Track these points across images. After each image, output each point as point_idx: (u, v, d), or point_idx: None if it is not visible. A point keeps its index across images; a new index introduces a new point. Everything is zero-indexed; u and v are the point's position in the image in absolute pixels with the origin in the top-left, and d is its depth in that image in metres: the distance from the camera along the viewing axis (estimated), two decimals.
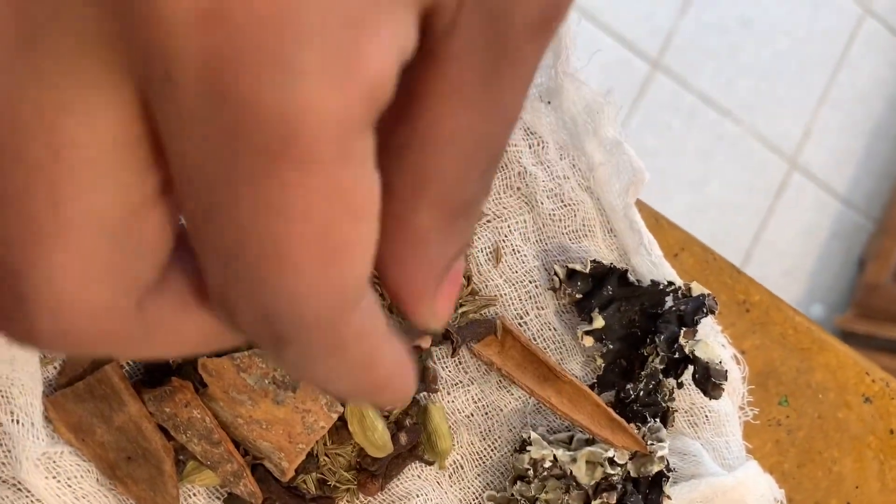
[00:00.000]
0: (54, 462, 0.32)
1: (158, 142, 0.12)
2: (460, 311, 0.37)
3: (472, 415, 0.38)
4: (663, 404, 0.36)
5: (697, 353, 0.35)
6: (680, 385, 0.37)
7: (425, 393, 0.37)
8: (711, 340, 0.37)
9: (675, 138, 1.44)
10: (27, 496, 0.32)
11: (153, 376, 0.33)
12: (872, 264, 1.49)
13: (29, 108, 0.11)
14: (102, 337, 0.13)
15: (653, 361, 0.36)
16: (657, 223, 0.41)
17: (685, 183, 1.43)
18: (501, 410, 0.38)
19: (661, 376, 0.36)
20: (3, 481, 0.32)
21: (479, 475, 0.38)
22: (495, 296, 0.38)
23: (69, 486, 0.32)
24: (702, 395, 0.38)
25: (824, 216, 1.55)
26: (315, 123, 0.11)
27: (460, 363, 0.38)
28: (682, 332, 0.36)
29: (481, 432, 0.38)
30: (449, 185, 0.13)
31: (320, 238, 0.12)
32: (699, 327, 0.37)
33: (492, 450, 0.38)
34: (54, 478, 0.32)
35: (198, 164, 0.11)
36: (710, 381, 0.35)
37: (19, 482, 0.32)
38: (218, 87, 0.10)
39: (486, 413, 0.38)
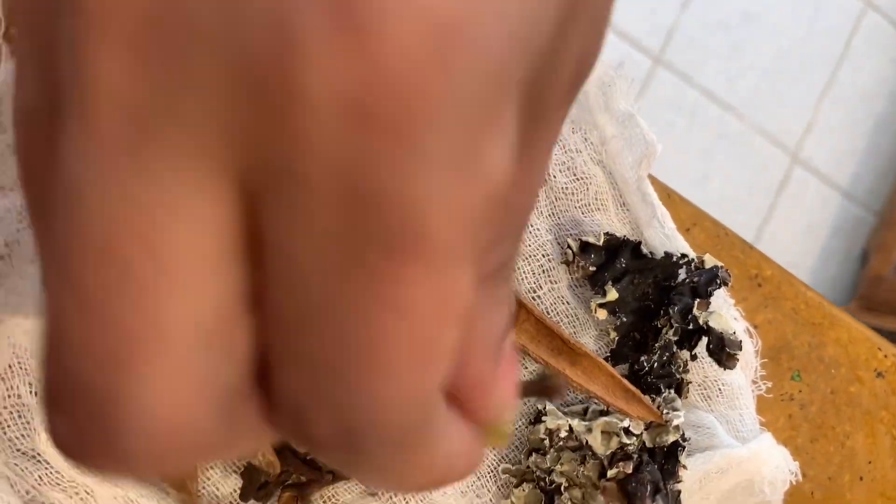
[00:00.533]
0: None
1: (257, 244, 0.11)
2: None
3: None
4: (677, 376, 0.37)
5: (711, 324, 0.35)
6: (694, 357, 0.37)
7: None
8: (725, 313, 0.37)
9: (678, 134, 1.45)
10: (46, 467, 0.32)
11: None
12: (875, 257, 1.49)
13: (128, 204, 0.10)
14: (195, 452, 0.12)
15: (666, 333, 0.36)
16: (669, 198, 0.41)
17: (687, 178, 1.43)
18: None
19: (674, 348, 0.36)
20: (23, 453, 0.32)
21: (493, 448, 0.38)
22: None
23: None
24: (715, 368, 0.39)
25: (827, 210, 1.55)
26: (441, 220, 0.10)
27: None
28: (695, 303, 0.36)
29: None
30: (485, 254, 0.13)
31: (420, 342, 0.11)
32: (712, 300, 0.37)
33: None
34: None
35: (309, 266, 0.10)
36: (724, 351, 0.35)
37: (38, 453, 0.32)
38: (354, 185, 0.10)
39: None
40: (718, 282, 0.36)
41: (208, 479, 0.35)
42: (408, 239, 0.10)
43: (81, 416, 0.11)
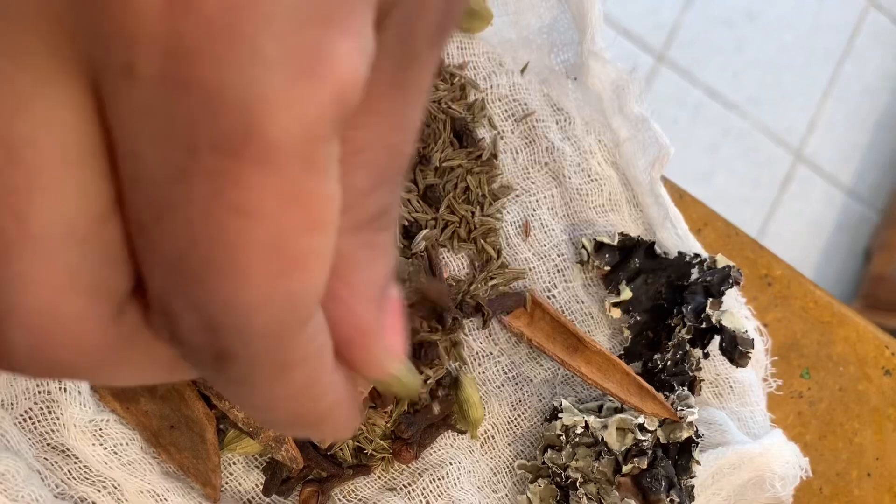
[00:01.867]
0: (100, 429, 0.33)
1: (112, 147, 0.11)
2: (490, 283, 0.38)
3: (503, 385, 0.38)
4: (690, 374, 0.37)
5: (724, 323, 0.36)
6: (706, 355, 0.38)
7: (457, 364, 0.38)
8: (736, 311, 0.38)
9: (681, 132, 1.45)
10: (76, 462, 0.33)
11: None
12: (878, 256, 1.49)
13: None
14: (79, 352, 0.12)
15: (680, 332, 0.37)
16: (681, 199, 0.42)
17: (691, 176, 1.43)
18: (531, 381, 0.39)
19: (688, 346, 0.37)
20: (53, 447, 0.32)
21: (509, 444, 0.39)
22: (524, 269, 0.39)
23: (115, 453, 0.33)
24: (727, 366, 0.39)
25: (830, 208, 1.56)
26: (281, 120, 0.10)
27: (490, 335, 0.38)
28: (708, 302, 0.36)
29: (512, 402, 0.39)
30: (362, 199, 0.13)
31: (275, 245, 0.11)
32: (724, 300, 0.38)
33: (522, 419, 0.39)
34: (101, 445, 0.33)
35: (151, 163, 0.11)
36: (737, 349, 0.35)
37: (68, 448, 0.33)
38: (181, 77, 0.10)
39: (517, 383, 0.39)
40: (731, 281, 0.37)
41: (231, 474, 0.36)
42: (241, 137, 0.10)
43: None
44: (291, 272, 0.11)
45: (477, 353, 0.38)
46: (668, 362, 0.37)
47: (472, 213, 0.37)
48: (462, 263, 0.38)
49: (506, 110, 0.38)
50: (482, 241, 0.37)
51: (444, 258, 0.37)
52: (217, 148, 0.10)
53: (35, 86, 0.11)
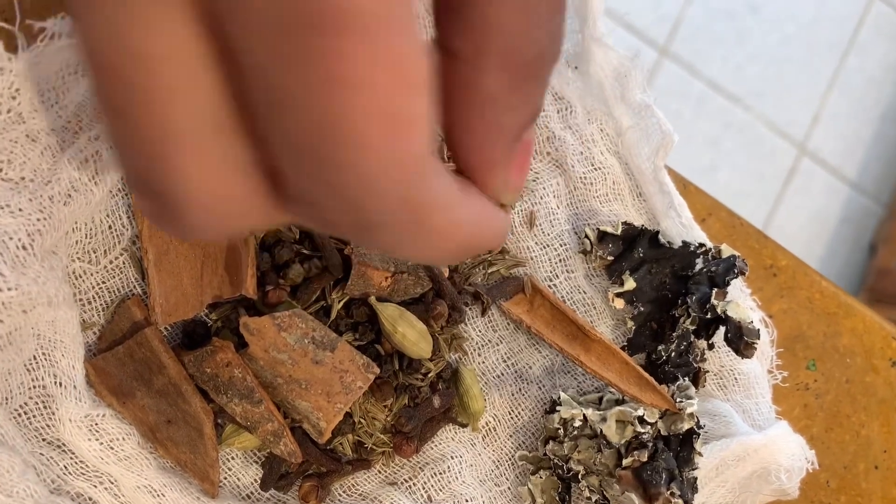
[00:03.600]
0: (96, 424, 0.32)
1: (226, 50, 0.13)
2: (490, 270, 0.37)
3: (503, 374, 0.38)
4: (695, 365, 0.37)
5: (730, 313, 0.35)
6: (711, 346, 0.37)
7: (457, 356, 0.37)
8: (741, 302, 0.37)
9: (684, 126, 1.44)
10: (71, 457, 0.32)
11: (192, 339, 0.34)
12: (883, 249, 1.48)
13: (112, 29, 0.13)
14: (238, 219, 0.15)
15: (684, 322, 0.36)
16: (685, 189, 0.41)
17: (695, 170, 1.43)
18: (531, 368, 0.38)
19: (692, 337, 0.36)
20: (49, 442, 0.32)
21: (511, 436, 0.38)
22: (525, 257, 0.38)
23: (111, 448, 0.32)
24: (731, 357, 0.39)
25: (834, 201, 1.55)
26: None
27: (489, 321, 0.38)
28: (713, 292, 0.36)
29: (512, 393, 0.38)
30: (513, 39, 0.14)
31: (382, 110, 0.12)
32: (728, 290, 0.37)
33: (523, 410, 0.38)
34: (97, 440, 0.32)
35: (261, 58, 0.12)
36: (742, 340, 0.35)
37: (63, 443, 0.32)
38: None
39: (517, 372, 0.38)
40: (736, 271, 0.36)
41: (229, 469, 0.35)
42: (332, 12, 0.11)
43: (153, 201, 0.15)
44: (401, 132, 0.13)
45: (476, 342, 0.38)
46: (673, 353, 0.36)
47: None
48: None
49: None
50: None
51: None
52: (314, 27, 0.12)
53: (157, 5, 0.12)
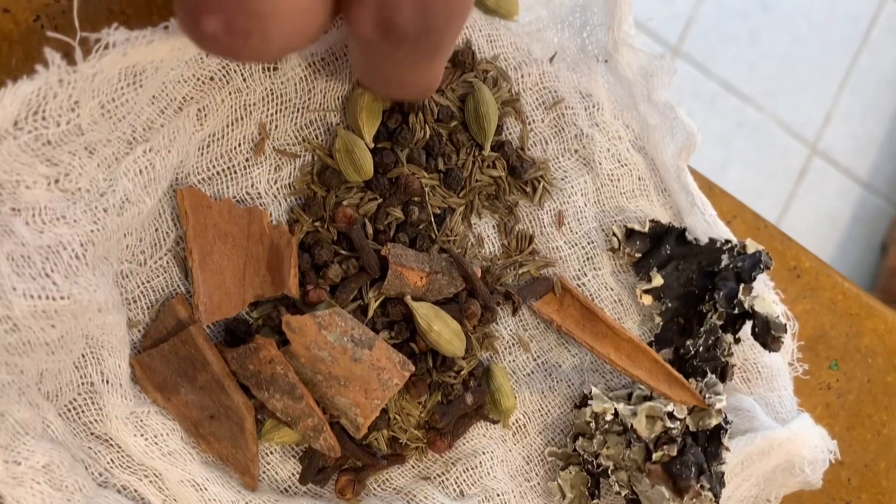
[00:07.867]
0: (141, 420, 0.33)
1: None
2: (520, 270, 0.38)
3: (533, 372, 0.39)
4: (722, 359, 0.37)
5: (757, 308, 0.36)
6: (737, 341, 0.38)
7: (489, 354, 0.38)
8: (767, 297, 0.38)
9: (696, 125, 1.45)
10: (118, 451, 0.33)
11: (234, 337, 0.35)
12: (894, 250, 1.48)
13: None
14: (307, 30, 0.18)
15: (711, 318, 0.37)
16: (710, 191, 0.42)
17: (706, 169, 1.43)
18: (560, 367, 0.39)
19: (720, 332, 0.37)
20: (97, 437, 0.33)
21: (540, 432, 0.39)
22: (554, 258, 0.39)
23: (156, 443, 0.33)
24: (754, 351, 0.40)
25: (846, 201, 1.55)
26: None
27: (520, 321, 0.39)
28: (740, 288, 0.37)
29: (542, 390, 0.39)
30: None
31: None
32: (753, 286, 0.38)
33: (552, 406, 0.39)
34: (142, 436, 0.33)
35: None
36: (769, 334, 0.36)
37: (110, 438, 0.33)
38: None
39: (546, 370, 0.39)
40: (762, 266, 0.37)
41: (268, 463, 0.36)
42: None
43: (231, 15, 0.18)
44: None
45: (507, 341, 0.39)
46: (700, 348, 0.37)
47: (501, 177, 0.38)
48: (493, 244, 0.38)
49: (536, 99, 0.38)
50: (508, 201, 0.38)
51: (475, 231, 0.38)
52: None
53: None
